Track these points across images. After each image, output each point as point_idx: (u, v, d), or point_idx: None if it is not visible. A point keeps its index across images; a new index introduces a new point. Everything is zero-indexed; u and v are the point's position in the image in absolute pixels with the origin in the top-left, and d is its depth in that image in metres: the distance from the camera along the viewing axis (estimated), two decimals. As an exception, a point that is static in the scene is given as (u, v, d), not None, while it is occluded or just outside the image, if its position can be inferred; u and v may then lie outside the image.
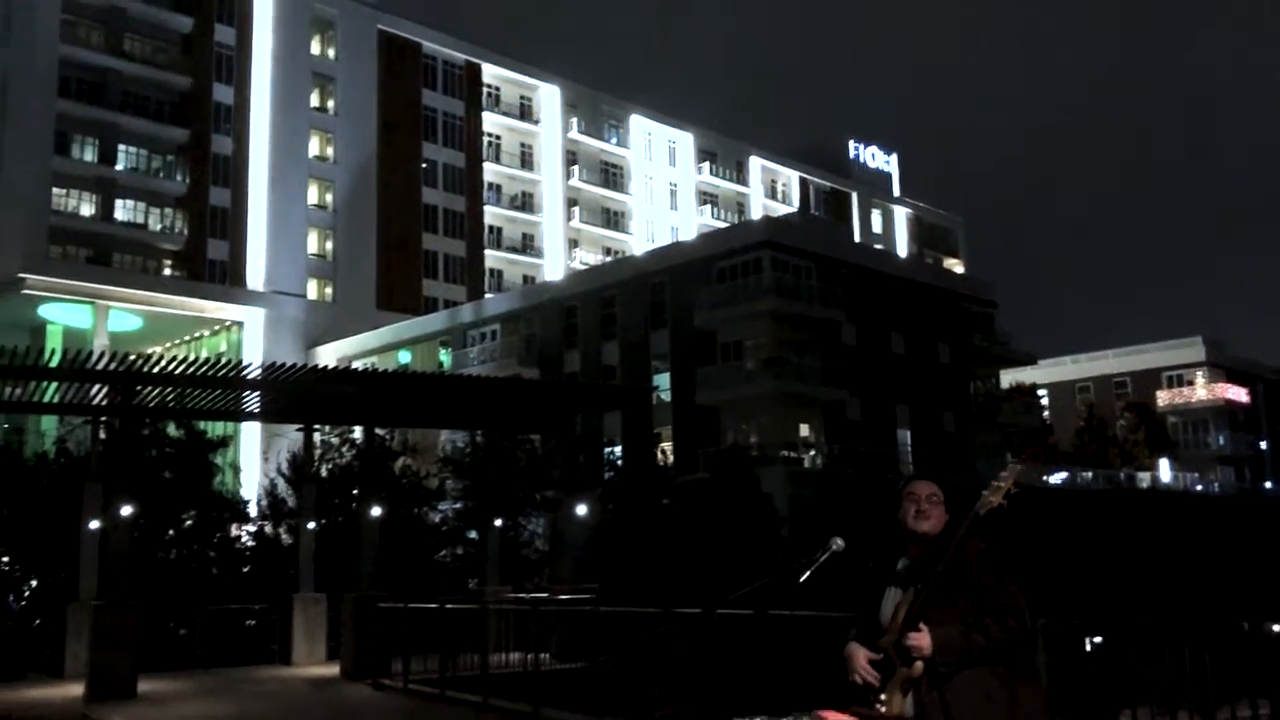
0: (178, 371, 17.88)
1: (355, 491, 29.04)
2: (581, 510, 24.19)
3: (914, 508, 4.29)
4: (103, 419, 21.12)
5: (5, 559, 24.81)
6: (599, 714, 11.14)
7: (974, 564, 4.08)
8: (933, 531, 4.24)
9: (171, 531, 27.47)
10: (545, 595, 21.21)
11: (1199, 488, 63.44)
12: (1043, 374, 70.57)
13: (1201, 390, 70.21)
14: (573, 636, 13.45)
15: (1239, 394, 71.02)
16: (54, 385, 19.08)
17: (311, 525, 21.41)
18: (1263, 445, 73.59)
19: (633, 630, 11.22)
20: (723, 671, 9.12)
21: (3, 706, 14.53)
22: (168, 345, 60.49)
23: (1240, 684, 7.05)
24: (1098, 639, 8.54)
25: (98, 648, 15.60)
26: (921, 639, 3.94)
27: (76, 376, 17.77)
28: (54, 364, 17.59)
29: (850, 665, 4.15)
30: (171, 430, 29.51)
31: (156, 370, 17.68)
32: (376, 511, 19.64)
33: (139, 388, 18.48)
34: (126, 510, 17.00)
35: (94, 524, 19.15)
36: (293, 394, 20.34)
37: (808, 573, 4.57)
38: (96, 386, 18.89)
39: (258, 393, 20.03)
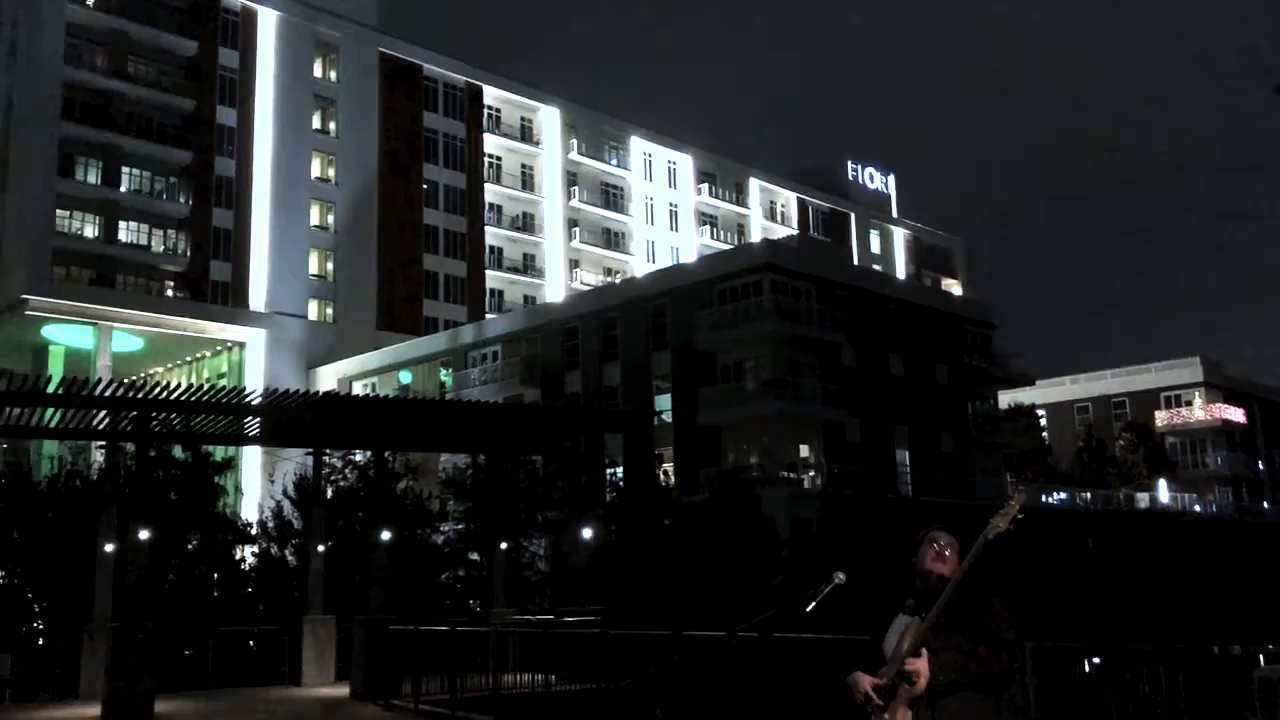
0: (194, 399, 18.18)
1: (360, 514, 29.31)
2: (584, 532, 24.48)
3: (933, 551, 4.72)
4: (113, 444, 21.38)
5: (14, 581, 25.05)
6: (608, 734, 11.40)
7: (982, 600, 4.50)
8: (947, 575, 4.64)
9: (176, 554, 27.70)
10: (551, 617, 21.50)
11: (1197, 508, 63.72)
12: (1041, 394, 70.99)
13: (1199, 410, 70.60)
14: (581, 658, 13.75)
15: (1236, 414, 71.42)
16: (57, 410, 19.20)
17: (321, 548, 21.65)
18: (1260, 466, 73.93)
19: (643, 653, 11.52)
20: (730, 692, 9.43)
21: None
22: (169, 366, 60.88)
23: (1228, 705, 7.36)
24: (1095, 660, 8.81)
25: (116, 669, 15.86)
26: (919, 664, 4.33)
27: (93, 404, 18.04)
28: (58, 389, 17.77)
29: (854, 689, 4.53)
30: (177, 453, 29.79)
31: (174, 397, 17.96)
32: (387, 535, 19.91)
33: (153, 413, 18.78)
34: (143, 534, 17.28)
35: (109, 547, 19.40)
36: (301, 419, 20.66)
37: (813, 604, 4.99)
38: (101, 411, 19.07)
39: (268, 418, 20.33)
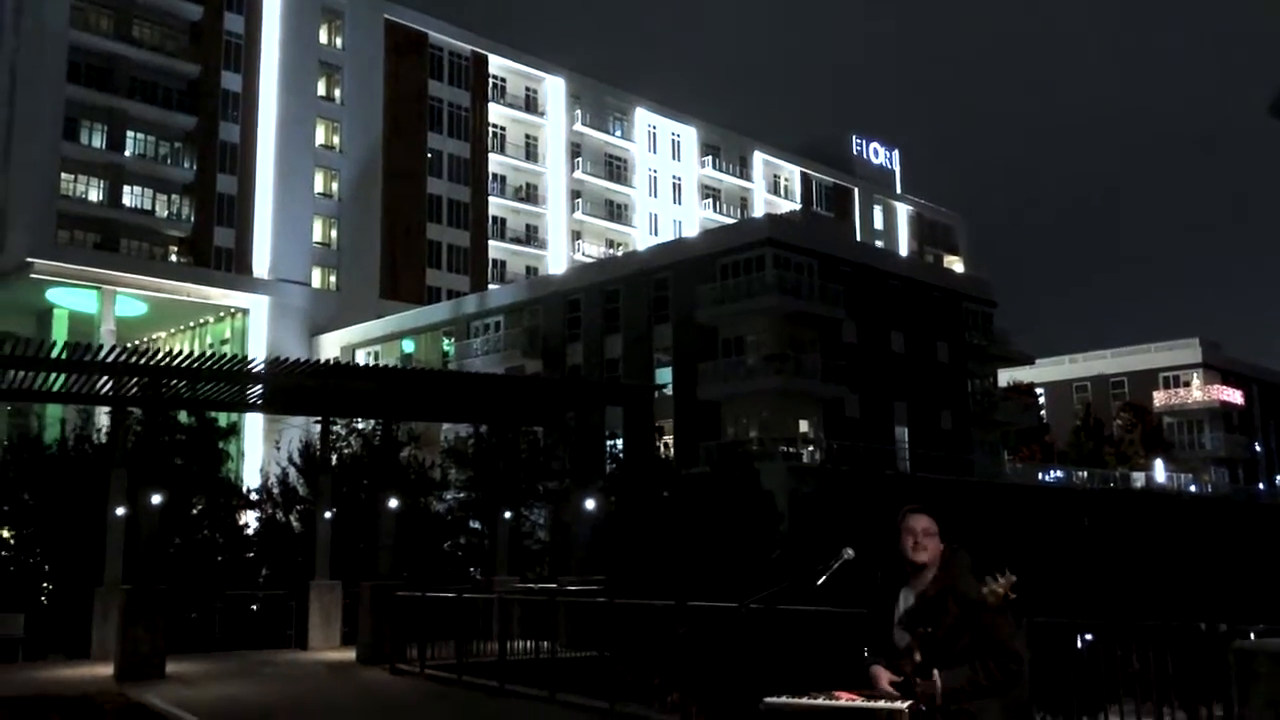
0: (202, 366, 18.37)
1: (365, 481, 29.62)
2: (585, 502, 24.80)
3: (912, 540, 4.82)
4: (120, 409, 21.58)
5: (26, 542, 25.37)
6: (612, 699, 11.71)
7: (978, 614, 4.69)
8: (930, 562, 4.80)
9: (181, 519, 28.00)
10: (554, 586, 21.84)
11: (1193, 489, 64.07)
12: (1040, 373, 71.23)
13: (1197, 391, 70.83)
14: (586, 627, 14.05)
15: (1234, 396, 71.65)
16: (61, 374, 19.29)
17: (328, 514, 21.94)
18: (1257, 447, 74.25)
19: (646, 623, 11.81)
20: (735, 661, 9.71)
21: (38, 684, 15.12)
22: (173, 331, 61.08)
23: (1214, 680, 7.61)
24: (1088, 636, 9.04)
25: (128, 629, 16.17)
26: (932, 686, 4.56)
27: (102, 370, 18.25)
28: (70, 355, 17.94)
29: (875, 685, 4.73)
30: (182, 418, 30.05)
31: (182, 365, 18.14)
32: (394, 503, 20.20)
33: (161, 380, 18.99)
34: (156, 498, 17.56)
35: (119, 510, 19.68)
36: (307, 387, 20.86)
37: (823, 578, 5.19)
38: (106, 376, 19.19)
39: (274, 386, 20.55)
